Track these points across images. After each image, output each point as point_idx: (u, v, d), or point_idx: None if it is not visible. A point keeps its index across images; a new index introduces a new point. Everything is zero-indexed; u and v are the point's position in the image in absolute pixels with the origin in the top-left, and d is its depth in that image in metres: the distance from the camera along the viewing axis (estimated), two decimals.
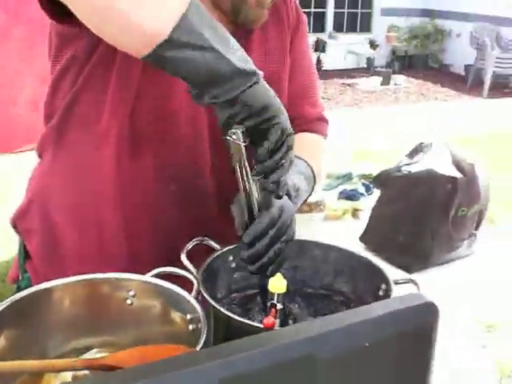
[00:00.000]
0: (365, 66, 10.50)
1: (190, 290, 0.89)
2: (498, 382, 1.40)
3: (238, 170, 0.85)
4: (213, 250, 1.02)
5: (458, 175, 1.96)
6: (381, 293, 0.95)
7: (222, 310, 0.84)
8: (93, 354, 0.87)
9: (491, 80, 8.93)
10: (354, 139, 6.03)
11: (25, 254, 1.20)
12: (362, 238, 2.10)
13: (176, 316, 0.87)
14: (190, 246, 1.00)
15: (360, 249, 1.75)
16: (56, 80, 1.10)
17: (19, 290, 1.08)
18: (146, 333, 0.90)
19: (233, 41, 0.83)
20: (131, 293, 0.90)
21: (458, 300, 2.19)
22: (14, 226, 1.22)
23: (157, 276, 0.92)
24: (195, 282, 0.91)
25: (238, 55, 0.81)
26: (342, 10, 10.70)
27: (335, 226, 2.07)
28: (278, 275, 0.83)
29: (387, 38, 10.71)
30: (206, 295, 0.86)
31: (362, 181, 2.37)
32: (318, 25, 10.47)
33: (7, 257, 2.91)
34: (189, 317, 0.84)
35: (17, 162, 4.58)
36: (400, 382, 0.65)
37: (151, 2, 0.78)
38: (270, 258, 0.90)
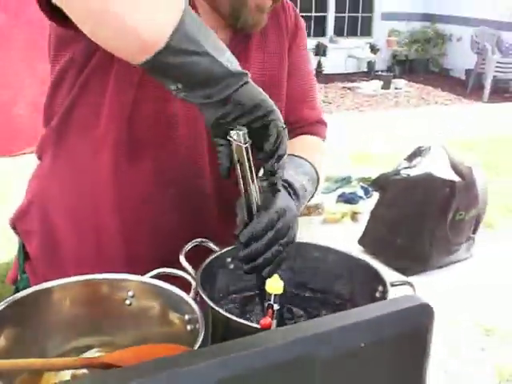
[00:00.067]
0: (365, 70, 10.51)
1: (188, 291, 0.90)
2: None
3: (239, 171, 0.86)
4: (211, 251, 1.02)
5: (456, 179, 1.98)
6: (377, 295, 0.96)
7: (219, 310, 0.85)
8: (92, 354, 0.88)
9: (491, 84, 8.93)
10: (355, 143, 6.03)
11: (24, 255, 1.21)
12: (361, 241, 2.11)
13: (174, 316, 0.88)
14: (188, 247, 1.00)
15: (358, 252, 1.75)
16: (55, 82, 1.10)
17: (18, 290, 1.08)
18: (144, 333, 0.90)
19: (221, 42, 0.85)
20: (130, 293, 0.91)
21: (456, 303, 2.19)
22: (14, 227, 1.23)
23: (156, 277, 0.92)
24: (193, 282, 0.92)
25: (227, 57, 0.83)
26: (343, 15, 10.71)
27: (334, 228, 2.08)
28: (275, 276, 0.84)
29: (388, 43, 10.72)
30: (204, 296, 0.87)
31: (361, 184, 2.39)
32: (319, 29, 10.48)
33: (7, 258, 2.91)
34: (187, 317, 0.85)
35: (17, 163, 4.59)
36: (396, 383, 0.66)
37: (147, 7, 0.79)
38: (267, 259, 0.90)
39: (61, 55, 1.08)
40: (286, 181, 1.02)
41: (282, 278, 0.82)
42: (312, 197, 1.15)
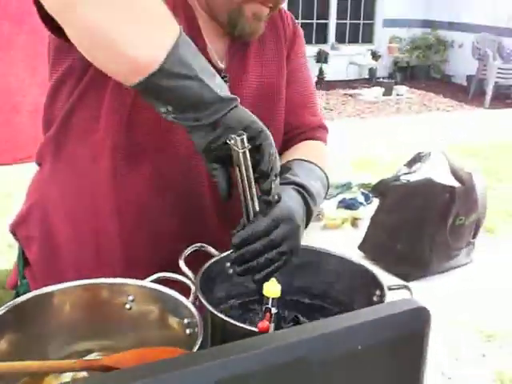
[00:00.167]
0: (367, 76, 10.52)
1: (187, 296, 0.90)
2: None
3: (239, 175, 0.87)
4: (210, 256, 1.03)
5: (456, 184, 1.98)
6: (375, 298, 0.96)
7: (218, 314, 0.86)
8: (92, 358, 0.89)
9: (493, 90, 8.94)
10: (356, 149, 6.04)
11: (24, 260, 1.21)
12: (361, 247, 2.11)
13: (174, 320, 0.89)
14: (188, 252, 1.01)
15: (358, 257, 1.76)
16: (54, 88, 1.12)
17: (18, 295, 1.09)
18: (144, 337, 0.91)
19: (211, 68, 0.87)
20: (130, 297, 0.92)
21: (457, 308, 2.19)
22: (14, 233, 1.23)
23: (155, 281, 0.93)
24: (193, 287, 0.93)
25: (217, 82, 0.86)
26: (344, 21, 10.74)
27: (334, 234, 2.09)
28: (273, 280, 0.85)
29: (389, 49, 10.73)
30: (203, 300, 0.88)
31: (362, 190, 2.39)
32: (321, 36, 10.51)
33: (8, 265, 2.91)
34: (186, 321, 0.86)
35: (19, 171, 4.59)
36: None
37: (142, 31, 0.82)
38: (260, 264, 0.89)
39: (60, 63, 1.09)
40: (301, 185, 1.02)
41: (279, 282, 0.83)
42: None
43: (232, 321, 0.85)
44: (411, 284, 1.00)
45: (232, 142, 0.84)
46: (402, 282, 1.01)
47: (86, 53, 0.85)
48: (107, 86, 1.04)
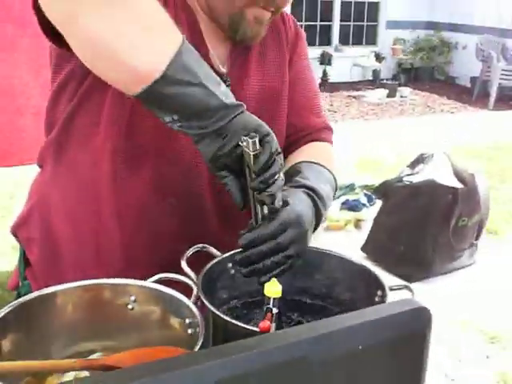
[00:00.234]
0: (371, 78, 10.51)
1: (189, 296, 0.91)
2: None
3: (248, 177, 0.87)
4: (212, 256, 1.03)
5: (459, 185, 1.98)
6: (376, 299, 0.96)
7: (219, 314, 0.86)
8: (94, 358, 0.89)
9: (497, 92, 8.92)
10: (360, 151, 6.03)
11: (25, 261, 1.22)
12: (364, 248, 2.11)
13: (175, 321, 0.89)
14: (189, 252, 1.01)
15: (361, 259, 1.76)
16: (56, 93, 1.12)
17: (20, 296, 1.09)
18: (146, 337, 0.92)
19: (216, 76, 0.87)
20: (132, 298, 0.92)
21: (460, 310, 2.19)
22: (15, 235, 1.24)
23: (157, 282, 0.94)
24: (195, 287, 0.93)
25: (222, 90, 0.85)
26: (348, 23, 10.73)
27: (337, 236, 2.09)
28: (274, 280, 0.85)
29: (393, 51, 10.72)
30: (204, 300, 0.88)
31: (365, 191, 2.39)
32: (324, 38, 10.50)
33: (11, 266, 2.92)
34: (188, 321, 0.86)
35: (22, 173, 4.61)
36: None
37: (145, 40, 0.82)
38: (266, 266, 0.90)
39: (62, 67, 1.09)
40: (311, 188, 1.02)
41: (280, 283, 0.83)
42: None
43: (233, 321, 0.86)
44: (414, 285, 1.00)
45: (244, 143, 0.83)
46: (403, 283, 1.01)
47: (88, 63, 0.86)
48: (107, 91, 1.04)
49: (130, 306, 0.92)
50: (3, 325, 0.82)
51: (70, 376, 0.79)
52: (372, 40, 10.96)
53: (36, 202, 1.20)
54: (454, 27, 10.50)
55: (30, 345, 0.86)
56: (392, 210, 1.97)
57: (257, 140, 0.83)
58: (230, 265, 1.04)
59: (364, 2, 10.72)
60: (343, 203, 2.29)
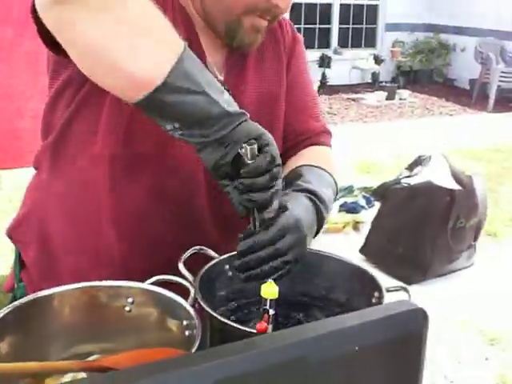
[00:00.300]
0: (370, 81, 10.52)
1: (187, 298, 0.91)
2: None
3: None
4: (209, 259, 1.03)
5: (457, 187, 1.99)
6: (374, 300, 0.97)
7: (216, 316, 0.86)
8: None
9: (496, 94, 8.92)
10: (359, 154, 6.03)
11: (20, 263, 1.21)
12: (362, 251, 2.12)
13: (173, 322, 0.90)
14: (187, 254, 1.02)
15: (360, 261, 1.76)
16: (53, 98, 1.12)
17: (15, 298, 1.09)
18: (144, 339, 0.92)
19: (218, 84, 0.86)
20: (130, 300, 0.92)
21: (459, 311, 2.20)
22: (10, 237, 1.23)
23: (155, 284, 0.94)
24: (192, 289, 0.93)
25: (225, 98, 0.84)
26: (347, 26, 10.75)
27: (336, 238, 2.09)
28: (270, 282, 0.85)
29: (392, 53, 10.73)
30: (201, 302, 0.88)
31: (363, 194, 2.39)
32: (323, 41, 10.51)
33: (8, 269, 2.91)
34: (185, 323, 0.87)
35: (20, 176, 4.61)
36: None
37: (144, 47, 0.81)
38: (264, 271, 0.89)
39: (59, 73, 1.09)
40: (313, 193, 1.02)
41: (276, 284, 0.83)
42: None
43: (231, 323, 0.86)
44: (412, 287, 1.00)
45: (243, 151, 0.83)
46: (400, 284, 1.01)
47: (87, 71, 0.85)
48: (106, 98, 1.04)
49: (127, 308, 0.93)
50: (1, 327, 0.82)
51: (68, 377, 0.80)
52: (371, 43, 10.97)
53: (31, 205, 1.20)
54: (453, 30, 10.52)
55: (28, 347, 0.86)
56: (390, 212, 1.98)
57: (255, 147, 0.83)
58: (228, 267, 1.04)
59: (363, 5, 10.74)
60: (342, 205, 2.29)
